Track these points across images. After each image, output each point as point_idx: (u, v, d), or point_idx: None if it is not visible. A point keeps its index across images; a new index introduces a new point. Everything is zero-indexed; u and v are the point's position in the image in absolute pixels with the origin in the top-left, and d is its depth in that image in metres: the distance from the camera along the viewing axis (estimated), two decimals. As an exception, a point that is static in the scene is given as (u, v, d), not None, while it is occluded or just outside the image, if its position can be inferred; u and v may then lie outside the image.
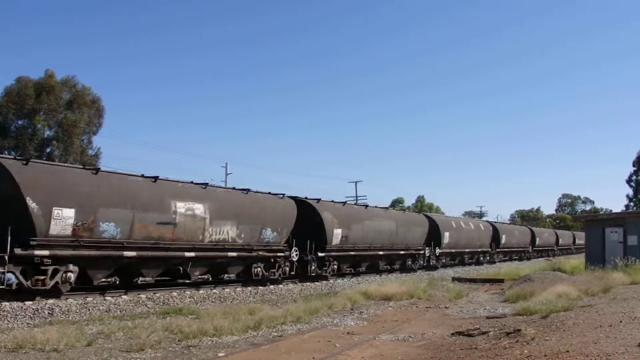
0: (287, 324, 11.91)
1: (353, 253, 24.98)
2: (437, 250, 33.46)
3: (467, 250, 38.23)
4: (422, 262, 31.87)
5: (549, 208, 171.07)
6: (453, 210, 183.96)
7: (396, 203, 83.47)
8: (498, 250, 44.04)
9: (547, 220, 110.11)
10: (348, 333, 11.14)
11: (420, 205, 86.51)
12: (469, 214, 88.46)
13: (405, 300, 17.00)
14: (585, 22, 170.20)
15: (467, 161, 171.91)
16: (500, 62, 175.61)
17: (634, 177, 74.38)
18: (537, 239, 54.92)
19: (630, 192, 74.22)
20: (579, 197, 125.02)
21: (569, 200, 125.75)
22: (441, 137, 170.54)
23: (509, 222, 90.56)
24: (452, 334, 10.61)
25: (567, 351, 7.32)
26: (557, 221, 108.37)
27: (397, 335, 10.75)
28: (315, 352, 9.06)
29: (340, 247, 23.68)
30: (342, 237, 23.60)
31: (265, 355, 8.92)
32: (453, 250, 36.00)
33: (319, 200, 23.45)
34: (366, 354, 9.05)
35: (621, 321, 9.67)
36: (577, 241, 69.82)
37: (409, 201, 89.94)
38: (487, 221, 49.83)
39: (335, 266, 23.85)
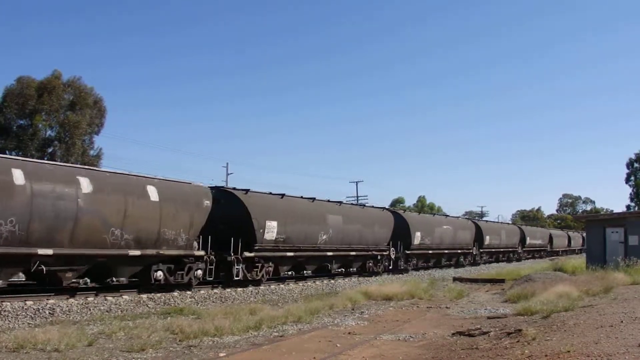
0: (288, 324, 11.93)
1: (426, 252, 31.91)
2: (480, 250, 40.25)
3: (501, 249, 45.16)
4: (470, 259, 38.58)
5: (549, 208, 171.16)
6: (453, 210, 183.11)
7: (396, 203, 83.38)
8: (524, 249, 50.69)
9: (548, 220, 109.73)
10: (349, 333, 11.15)
11: (421, 205, 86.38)
12: (470, 214, 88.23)
13: (406, 300, 17.02)
14: (585, 22, 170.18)
15: (468, 161, 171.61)
16: (500, 62, 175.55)
17: (632, 178, 74.74)
18: (554, 240, 61.10)
19: (631, 191, 74.61)
20: (579, 197, 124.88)
21: (570, 200, 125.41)
22: (442, 136, 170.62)
23: (510, 221, 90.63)
24: (453, 334, 10.61)
25: (568, 351, 7.31)
26: (558, 221, 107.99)
27: (398, 335, 10.76)
28: (316, 352, 9.07)
29: (419, 247, 30.71)
30: (420, 239, 30.68)
31: (266, 355, 8.93)
32: (491, 250, 42.96)
33: (404, 211, 31.86)
34: (367, 354, 9.05)
35: (622, 321, 9.66)
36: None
37: (410, 201, 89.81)
38: (515, 224, 58.95)
39: (415, 262, 30.60)
